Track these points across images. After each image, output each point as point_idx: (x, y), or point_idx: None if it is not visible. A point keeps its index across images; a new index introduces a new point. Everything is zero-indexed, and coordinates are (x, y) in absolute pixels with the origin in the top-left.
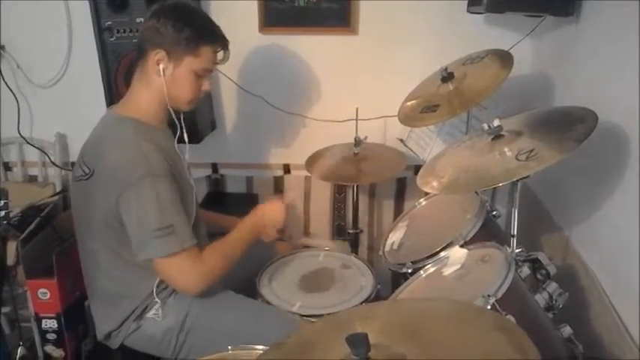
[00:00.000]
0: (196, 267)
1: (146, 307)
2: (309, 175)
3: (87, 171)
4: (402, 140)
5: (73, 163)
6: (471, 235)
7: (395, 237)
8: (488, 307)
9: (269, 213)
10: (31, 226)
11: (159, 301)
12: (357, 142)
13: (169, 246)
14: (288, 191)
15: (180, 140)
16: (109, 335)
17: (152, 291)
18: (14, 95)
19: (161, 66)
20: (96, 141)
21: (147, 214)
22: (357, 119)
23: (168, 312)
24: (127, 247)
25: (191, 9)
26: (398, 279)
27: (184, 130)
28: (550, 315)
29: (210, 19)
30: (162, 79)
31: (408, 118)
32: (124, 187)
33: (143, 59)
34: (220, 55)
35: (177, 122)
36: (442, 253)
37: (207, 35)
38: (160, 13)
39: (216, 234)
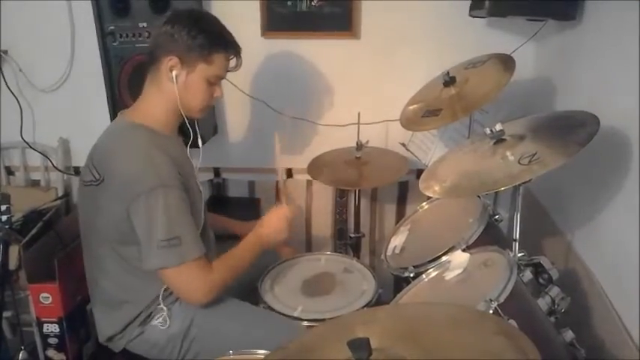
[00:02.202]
0: (204, 277)
1: (150, 312)
2: (311, 179)
3: (97, 177)
4: (404, 144)
5: (75, 168)
6: (473, 239)
7: (397, 241)
8: (491, 311)
9: (272, 230)
10: (33, 231)
11: (165, 308)
12: (359, 147)
13: (175, 257)
14: (290, 196)
15: (194, 144)
16: (111, 339)
17: (157, 297)
18: (17, 99)
19: (174, 72)
20: (106, 147)
21: (155, 224)
22: (358, 123)
23: (174, 318)
24: (135, 252)
25: (205, 16)
26: (400, 283)
27: (199, 137)
28: (552, 319)
29: (223, 26)
30: (175, 86)
31: (410, 122)
32: (134, 196)
33: (155, 65)
34: (233, 62)
35: (189, 128)
36: (444, 258)
37: (221, 42)
38: (174, 20)
39: (222, 237)
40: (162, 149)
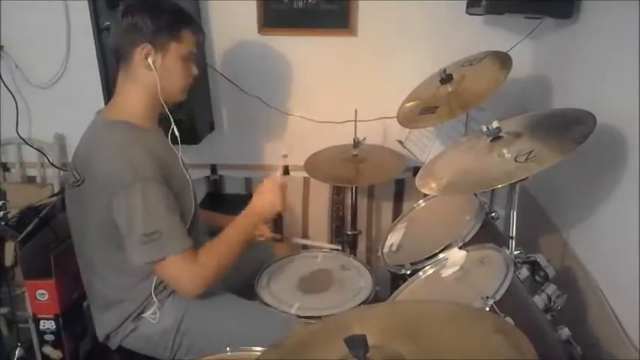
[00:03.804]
0: (192, 269)
1: (144, 307)
2: (308, 176)
3: (78, 178)
4: (400, 142)
5: None
6: (470, 236)
7: (394, 238)
8: (487, 308)
9: (265, 201)
10: (30, 227)
11: (157, 301)
12: (356, 144)
13: (157, 251)
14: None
15: (174, 141)
16: (108, 336)
17: (151, 292)
18: (12, 95)
19: (150, 59)
20: (85, 147)
21: (135, 219)
22: (355, 120)
23: (166, 313)
24: (123, 251)
25: None
26: (396, 280)
27: (175, 128)
28: (548, 317)
29: (177, 4)
30: (155, 73)
31: (406, 119)
32: (113, 193)
33: (127, 60)
34: (199, 36)
35: (170, 118)
36: (441, 255)
37: (184, 18)
38: (131, 10)
39: (217, 233)
40: (140, 144)
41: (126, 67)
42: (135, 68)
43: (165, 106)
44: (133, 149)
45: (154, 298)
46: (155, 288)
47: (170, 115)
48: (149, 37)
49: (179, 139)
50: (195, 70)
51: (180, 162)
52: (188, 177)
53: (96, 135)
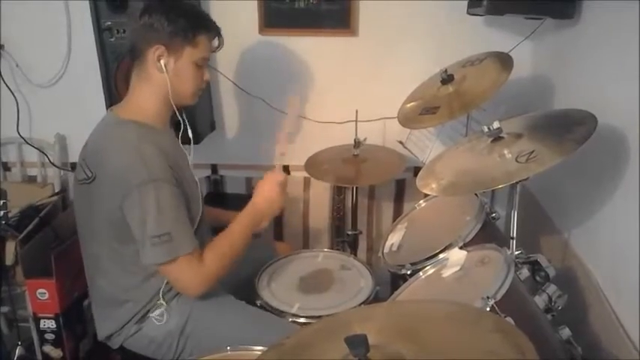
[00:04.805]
0: (197, 270)
1: (149, 309)
2: (309, 176)
3: (89, 175)
4: (401, 142)
5: (72, 164)
6: (471, 236)
7: (394, 238)
8: (488, 308)
9: (266, 201)
10: (30, 227)
11: (164, 303)
12: (357, 144)
13: (166, 253)
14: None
15: (185, 141)
16: (109, 337)
17: (156, 293)
18: (13, 95)
19: (162, 61)
20: (97, 144)
21: (147, 219)
22: (356, 121)
23: (172, 315)
24: (131, 249)
25: (178, 1)
26: (397, 280)
27: (188, 128)
28: (549, 317)
29: (198, 8)
30: (166, 75)
31: (407, 119)
32: (126, 192)
33: (140, 60)
34: (216, 42)
35: (181, 120)
36: (441, 255)
37: (202, 23)
38: (150, 10)
39: (217, 228)
40: (152, 143)
41: (140, 66)
42: (148, 68)
43: (176, 110)
44: (146, 148)
45: (161, 300)
46: (162, 289)
47: (181, 118)
48: (164, 39)
49: (181, 139)
50: (207, 76)
51: (190, 165)
52: (196, 179)
53: (107, 132)
